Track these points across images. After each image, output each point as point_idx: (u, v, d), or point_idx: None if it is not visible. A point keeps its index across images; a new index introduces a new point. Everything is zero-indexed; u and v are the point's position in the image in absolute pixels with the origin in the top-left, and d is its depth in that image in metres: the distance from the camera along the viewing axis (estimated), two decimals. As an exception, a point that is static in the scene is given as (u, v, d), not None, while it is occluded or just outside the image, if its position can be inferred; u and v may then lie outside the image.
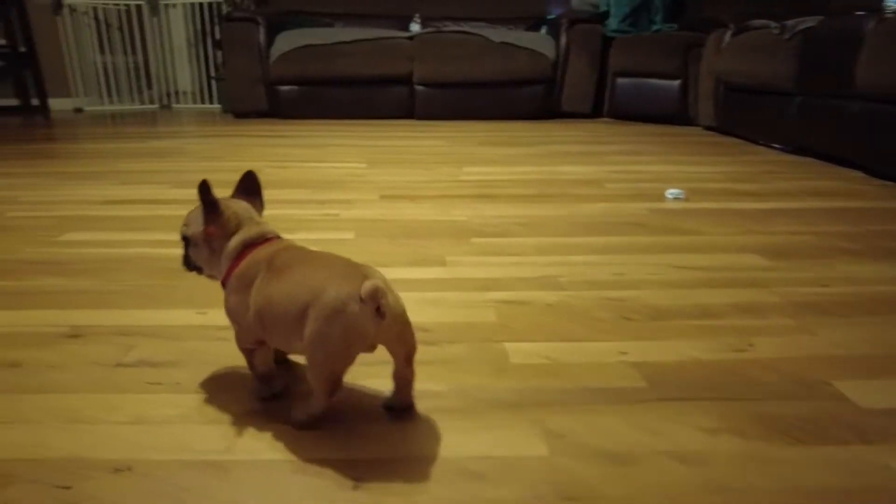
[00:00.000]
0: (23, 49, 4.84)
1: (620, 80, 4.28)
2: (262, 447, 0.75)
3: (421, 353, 0.96)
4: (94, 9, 5.07)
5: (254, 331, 0.80)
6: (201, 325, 1.08)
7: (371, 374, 0.90)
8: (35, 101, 4.99)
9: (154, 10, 5.19)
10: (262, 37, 4.06)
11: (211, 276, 0.89)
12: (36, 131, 3.78)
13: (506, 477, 0.70)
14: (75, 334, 1.04)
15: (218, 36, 5.09)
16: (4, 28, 4.77)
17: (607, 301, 1.20)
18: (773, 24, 3.10)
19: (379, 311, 0.69)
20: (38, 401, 0.84)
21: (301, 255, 0.79)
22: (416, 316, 1.11)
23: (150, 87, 5.41)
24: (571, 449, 0.75)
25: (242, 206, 0.86)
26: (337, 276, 0.71)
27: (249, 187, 0.90)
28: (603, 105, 4.47)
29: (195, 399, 0.85)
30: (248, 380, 0.89)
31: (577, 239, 1.59)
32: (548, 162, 2.71)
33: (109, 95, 5.27)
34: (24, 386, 0.88)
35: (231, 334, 0.84)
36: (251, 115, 4.30)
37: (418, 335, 1.04)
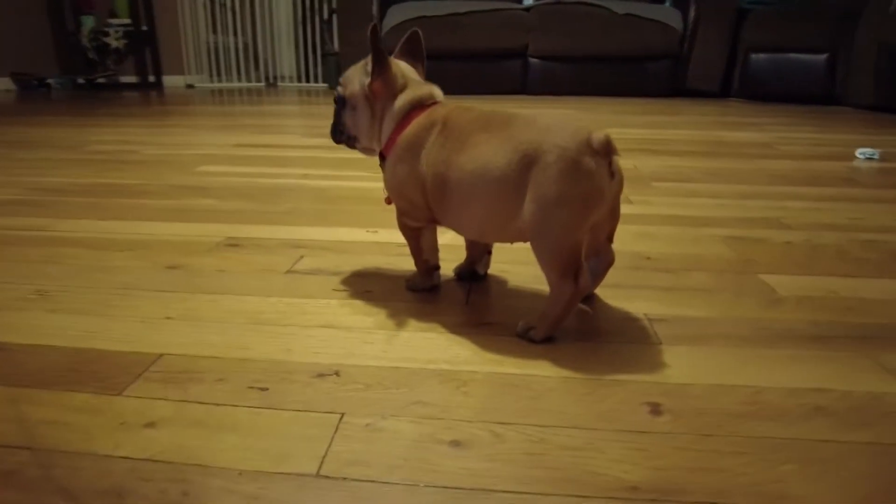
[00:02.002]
0: (144, 28, 5.02)
1: (755, 56, 3.89)
2: (498, 359, 0.57)
3: (654, 279, 0.76)
4: (211, -11, 5.19)
5: (424, 207, 0.66)
6: (375, 242, 0.92)
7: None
8: (152, 78, 5.17)
9: (265, -11, 5.25)
10: (375, 8, 3.98)
11: (366, 151, 0.74)
12: (157, 101, 3.87)
13: (867, 416, 0.49)
14: (234, 244, 0.91)
15: (326, 13, 5.09)
16: (130, 7, 4.96)
17: (864, 242, 0.95)
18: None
19: (611, 167, 0.57)
20: (214, 302, 0.70)
21: (487, 114, 0.64)
22: (626, 244, 0.92)
23: (256, 67, 5.49)
24: (949, 391, 0.53)
25: (407, 67, 0.73)
26: (553, 130, 0.58)
27: (413, 49, 0.75)
28: (732, 83, 4.09)
29: (395, 308, 0.69)
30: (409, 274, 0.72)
31: (780, 188, 1.34)
32: (700, 128, 2.43)
33: (218, 74, 5.39)
34: (194, 286, 0.75)
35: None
36: (359, 90, 4.23)
37: (638, 261, 0.85)
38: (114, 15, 4.95)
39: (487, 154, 0.59)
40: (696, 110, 3.22)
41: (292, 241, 0.92)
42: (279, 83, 5.43)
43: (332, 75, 4.66)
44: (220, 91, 4.68)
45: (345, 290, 0.73)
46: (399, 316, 0.66)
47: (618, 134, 2.15)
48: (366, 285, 0.75)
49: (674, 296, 0.73)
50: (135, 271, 0.80)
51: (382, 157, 0.71)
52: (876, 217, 1.11)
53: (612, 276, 0.78)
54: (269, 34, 5.44)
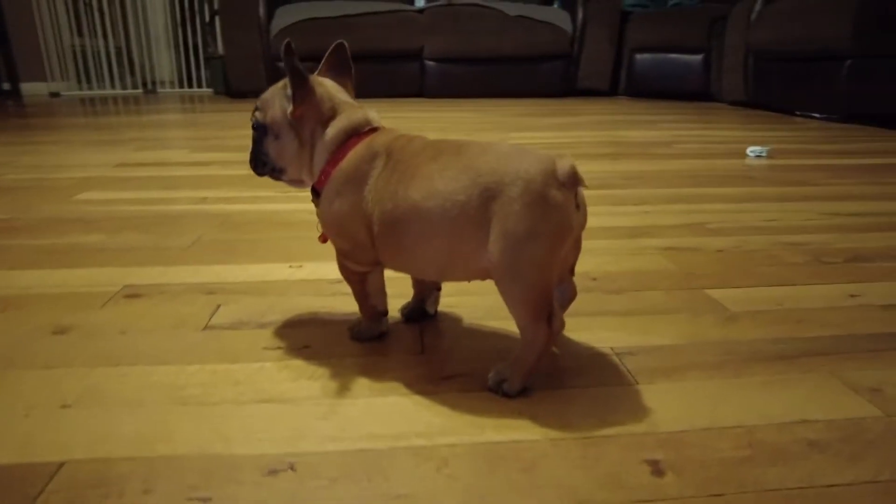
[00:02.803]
0: (-6, 29, 4.46)
1: (639, 56, 4.09)
2: (475, 423, 0.51)
3: (607, 302, 0.73)
4: (72, -14, 4.70)
5: (369, 247, 0.59)
6: (301, 280, 0.83)
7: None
8: (6, 85, 4.60)
9: (137, -12, 4.84)
10: (262, 10, 3.77)
11: (294, 183, 0.65)
12: (15, 113, 3.43)
13: (857, 447, 0.48)
14: (133, 294, 0.78)
15: (208, 15, 4.78)
16: (-27, 6, 4.38)
17: (788, 246, 0.98)
18: (816, -14, 2.93)
19: (577, 199, 0.53)
20: (122, 376, 0.58)
21: (436, 142, 0.58)
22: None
23: (132, 72, 5.06)
24: (922, 410, 0.53)
25: (334, 86, 0.64)
26: (514, 158, 0.52)
27: (339, 63, 0.67)
28: (619, 82, 4.28)
29: (342, 366, 0.60)
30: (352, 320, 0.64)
31: (695, 190, 1.38)
32: (601, 128, 2.49)
33: (88, 80, 4.90)
34: (92, 355, 0.62)
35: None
36: (250, 95, 4.00)
37: (584, 282, 0.82)
38: (-47, 15, 4.35)
39: (444, 187, 0.53)
40: (590, 109, 3.33)
41: (203, 286, 0.81)
42: (158, 89, 5.03)
43: (218, 79, 4.37)
44: (92, 100, 4.25)
45: (278, 347, 0.64)
46: (349, 375, 0.58)
47: (528, 139, 2.16)
48: (301, 338, 0.66)
49: (632, 322, 0.70)
50: (10, 340, 0.65)
51: (315, 192, 0.62)
52: (788, 217, 1.15)
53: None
54: (145, 36, 5.02)
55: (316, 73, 0.66)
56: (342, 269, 0.63)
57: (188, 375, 0.58)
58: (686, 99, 4.01)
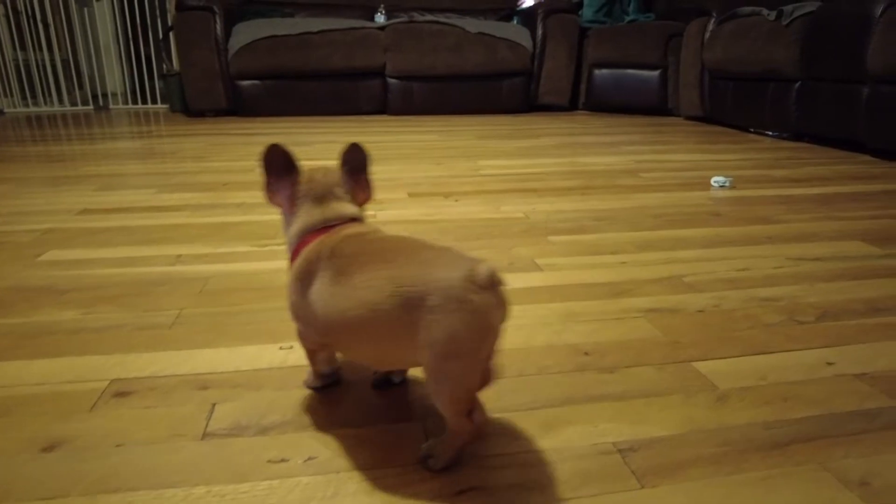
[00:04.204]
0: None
1: (598, 72, 4.18)
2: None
3: (603, 384, 0.75)
4: (13, -1, 4.50)
5: (317, 336, 0.66)
6: (294, 366, 0.82)
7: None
8: (-55, 104, 4.38)
9: (83, 1, 4.67)
10: (219, 28, 3.69)
11: None
12: (-44, 136, 3.26)
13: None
14: (124, 391, 0.76)
15: (160, 30, 4.64)
16: None
17: (762, 303, 1.02)
18: (765, 10, 3.05)
19: (498, 299, 0.56)
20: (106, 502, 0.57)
21: (373, 246, 0.62)
22: (560, 335, 0.90)
23: (80, 86, 4.87)
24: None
25: (324, 182, 0.70)
26: (435, 266, 0.56)
27: (352, 162, 0.72)
28: (578, 97, 4.36)
29: (353, 481, 0.60)
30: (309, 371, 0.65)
31: (666, 232, 1.42)
32: (565, 153, 2.53)
33: (33, 96, 4.70)
34: (90, 481, 0.60)
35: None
36: (208, 114, 3.91)
37: (577, 358, 0.83)
38: None
39: (369, 297, 0.57)
40: (551, 127, 3.38)
41: (195, 378, 0.79)
42: (110, 105, 4.86)
43: (175, 96, 4.26)
44: (39, 118, 4.08)
45: (283, 460, 0.63)
46: (360, 495, 0.58)
47: (495, 169, 2.18)
48: (306, 446, 0.65)
49: (630, 409, 0.72)
50: (1, 463, 0.63)
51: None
52: (758, 265, 1.20)
53: (561, 386, 0.76)
54: (94, 50, 4.84)
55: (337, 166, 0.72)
56: (297, 333, 0.70)
57: (195, 500, 0.57)
58: (644, 113, 4.12)
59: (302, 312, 0.65)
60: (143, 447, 0.65)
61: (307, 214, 0.68)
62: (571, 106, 4.36)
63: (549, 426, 0.68)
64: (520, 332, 0.91)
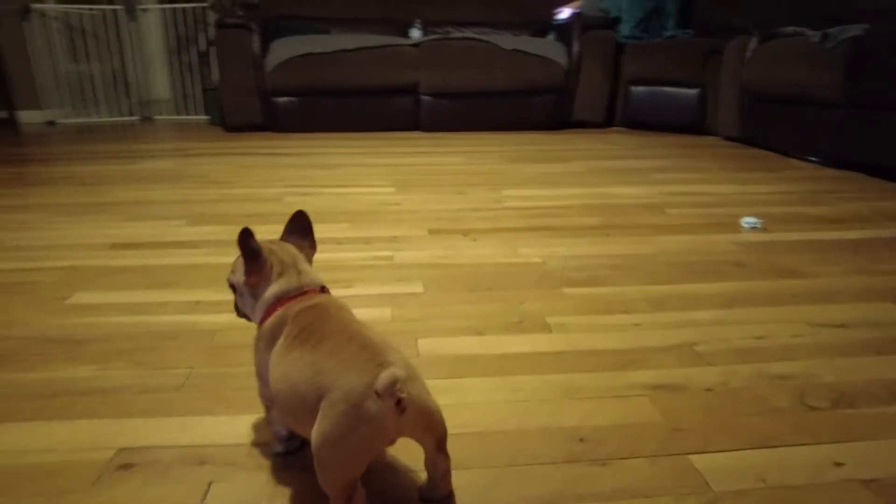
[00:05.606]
0: (-12, 58, 4.45)
1: (634, 89, 4.11)
2: None
3: (593, 481, 0.74)
4: (66, 14, 4.69)
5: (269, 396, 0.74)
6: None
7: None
8: (4, 114, 4.60)
9: (132, 14, 4.83)
10: (256, 45, 3.77)
11: None
12: (8, 150, 3.43)
13: None
14: (126, 463, 0.79)
15: (202, 44, 4.77)
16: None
17: (774, 380, 0.99)
18: (809, 31, 2.95)
19: (399, 405, 0.59)
20: None
21: (315, 325, 0.68)
22: (557, 415, 0.89)
23: (128, 96, 5.05)
24: None
25: (289, 252, 0.79)
26: (348, 365, 0.62)
27: (299, 228, 0.84)
28: (613, 113, 4.30)
29: (330, 582, 0.61)
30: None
31: (684, 286, 1.38)
32: (591, 182, 2.50)
33: (85, 107, 4.89)
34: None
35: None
36: (244, 129, 4.00)
37: (571, 445, 0.82)
38: (-53, 47, 4.34)
39: (294, 376, 0.64)
40: (583, 148, 3.33)
41: (194, 451, 0.81)
42: (155, 115, 5.02)
43: (214, 109, 4.37)
44: (89, 129, 4.25)
45: (265, 554, 0.64)
46: None
47: (515, 201, 2.16)
48: (289, 539, 0.66)
49: (617, 511, 0.71)
50: (-2, 545, 0.66)
51: None
52: (776, 332, 1.16)
53: (551, 480, 0.75)
54: (142, 63, 5.01)
55: (281, 236, 0.83)
56: (258, 390, 0.77)
57: None
58: (681, 132, 4.03)
59: (262, 370, 0.72)
60: (133, 535, 0.67)
61: (286, 281, 0.75)
62: (607, 122, 4.30)
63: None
64: (517, 410, 0.91)
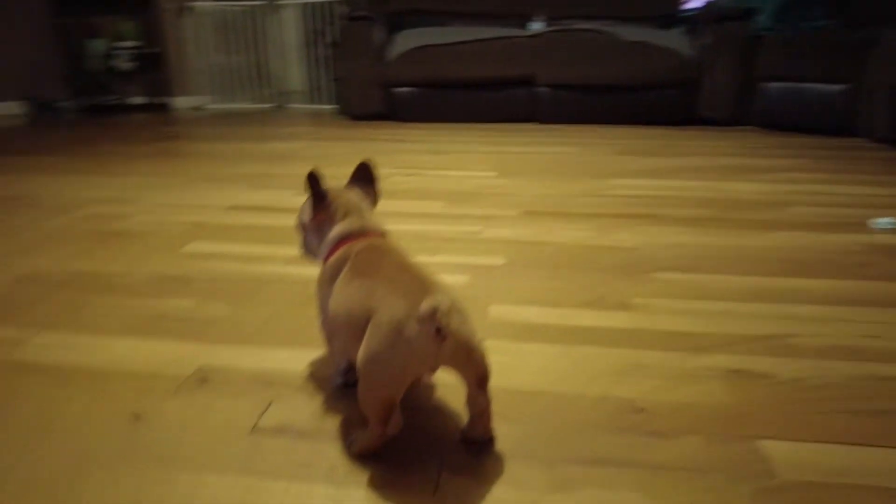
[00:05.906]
0: (156, 50, 5.03)
1: (771, 85, 3.79)
2: None
3: (641, 448, 0.71)
4: (222, 11, 5.18)
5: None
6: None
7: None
8: (161, 100, 5.18)
9: (273, 9, 5.24)
10: (379, 37, 3.94)
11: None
12: (163, 129, 3.86)
13: None
14: (203, 378, 0.87)
15: (330, 36, 5.06)
16: (138, 30, 4.97)
17: (880, 381, 0.88)
18: None
19: (439, 333, 0.61)
20: (168, 483, 0.66)
21: (374, 259, 0.73)
22: (619, 385, 0.86)
23: (269, 85, 5.48)
24: None
25: (353, 197, 0.85)
26: (397, 291, 0.65)
27: (363, 177, 0.89)
28: (745, 111, 4.00)
29: (358, 496, 0.64)
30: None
31: (792, 281, 1.27)
32: (708, 177, 2.35)
33: (228, 94, 5.38)
34: (152, 453, 0.70)
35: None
36: (367, 118, 4.20)
37: (629, 415, 0.79)
38: (121, 38, 4.96)
39: (348, 301, 0.69)
40: (707, 145, 3.14)
41: (263, 375, 0.88)
42: (289, 104, 5.41)
43: (342, 100, 4.62)
44: (230, 114, 4.67)
45: (308, 466, 0.68)
46: (360, 517, 0.61)
47: (619, 188, 2.09)
48: (331, 458, 0.70)
49: (663, 481, 0.67)
50: (92, 428, 0.75)
51: None
52: (891, 334, 1.03)
53: (600, 444, 0.73)
54: (280, 53, 5.41)
55: (346, 184, 0.90)
56: (321, 325, 0.80)
57: (224, 488, 0.64)
58: (825, 133, 3.66)
59: (324, 303, 0.76)
60: (199, 433, 0.74)
61: (349, 223, 0.80)
62: (741, 121, 4.01)
63: (565, 485, 0.66)
64: (578, 377, 0.89)
